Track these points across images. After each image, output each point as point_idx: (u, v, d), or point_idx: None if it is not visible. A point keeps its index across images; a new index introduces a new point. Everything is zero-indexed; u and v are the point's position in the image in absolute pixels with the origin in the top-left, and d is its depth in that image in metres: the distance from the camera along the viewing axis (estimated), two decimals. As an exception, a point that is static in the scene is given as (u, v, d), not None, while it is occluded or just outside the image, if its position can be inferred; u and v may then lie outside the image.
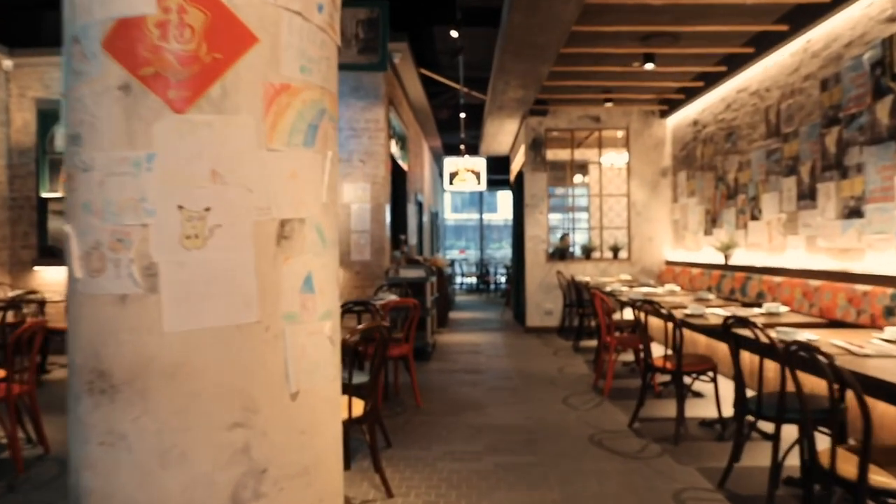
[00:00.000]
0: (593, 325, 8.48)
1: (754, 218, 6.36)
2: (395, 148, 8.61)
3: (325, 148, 1.95)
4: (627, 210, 9.03)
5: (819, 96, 5.17)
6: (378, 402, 3.37)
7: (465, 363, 6.74)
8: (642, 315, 4.43)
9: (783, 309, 4.24)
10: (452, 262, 12.37)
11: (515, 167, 10.88)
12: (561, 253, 8.99)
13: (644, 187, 8.94)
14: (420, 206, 12.02)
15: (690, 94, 7.75)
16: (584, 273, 8.88)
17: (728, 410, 4.17)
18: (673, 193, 8.80)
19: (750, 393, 3.20)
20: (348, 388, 3.13)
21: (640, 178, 8.95)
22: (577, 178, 11.76)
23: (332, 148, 2.01)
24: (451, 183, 14.01)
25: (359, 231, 7.17)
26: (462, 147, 12.73)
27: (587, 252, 9.00)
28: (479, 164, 13.92)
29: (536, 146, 8.95)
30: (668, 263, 8.73)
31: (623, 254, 9.02)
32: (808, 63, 5.33)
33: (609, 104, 8.20)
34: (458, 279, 18.00)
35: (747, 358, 4.76)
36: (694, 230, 7.98)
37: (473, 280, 17.65)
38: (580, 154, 11.90)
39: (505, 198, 21.04)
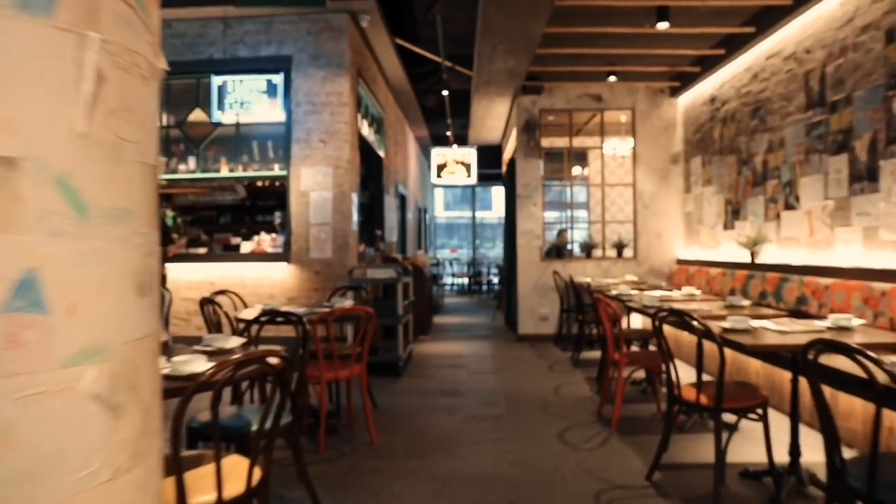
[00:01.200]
0: (595, 334, 7.40)
1: (789, 207, 5.29)
2: (367, 130, 7.51)
3: (82, 21, 0.88)
4: (633, 202, 7.95)
5: (882, 50, 4.09)
6: (267, 469, 2.28)
7: (442, 381, 5.65)
8: (662, 327, 3.35)
9: (855, 322, 3.15)
10: (438, 263, 11.30)
11: (507, 155, 9.79)
12: (558, 251, 7.90)
13: (652, 176, 7.87)
14: (403, 199, 10.93)
15: (708, 66, 6.67)
16: (585, 273, 7.80)
17: (781, 456, 3.09)
18: (685, 183, 7.73)
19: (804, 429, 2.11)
20: (254, 441, 2.06)
21: (648, 166, 7.87)
22: (576, 170, 10.70)
23: (109, 27, 0.95)
24: (438, 176, 12.93)
25: (319, 224, 6.08)
26: (449, 134, 11.64)
27: (588, 250, 7.92)
28: (469, 154, 12.84)
29: (530, 129, 7.87)
30: (680, 262, 7.65)
31: (628, 251, 7.94)
32: (867, 11, 4.25)
33: (613, 79, 7.12)
34: (450, 280, 16.91)
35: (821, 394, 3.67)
36: (711, 224, 6.90)
37: (465, 281, 16.58)
38: (578, 142, 10.85)
39: (499, 194, 19.96)
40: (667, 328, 3.46)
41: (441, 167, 12.86)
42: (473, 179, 12.85)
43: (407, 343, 6.54)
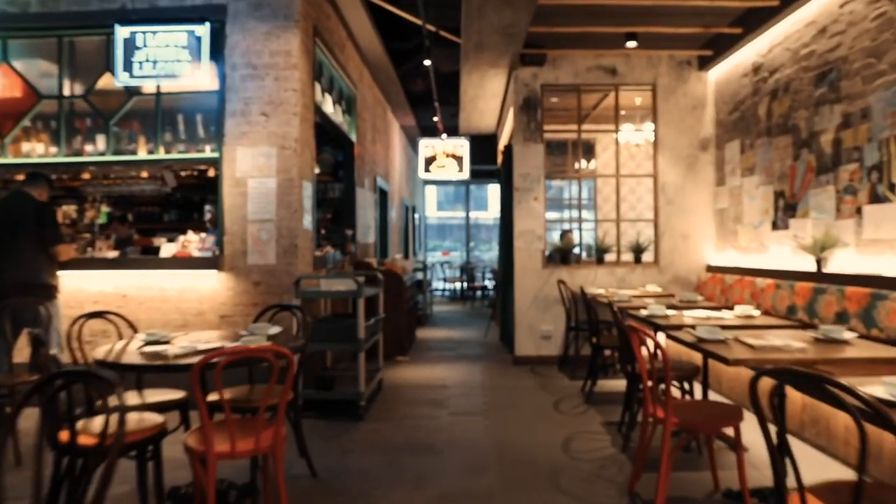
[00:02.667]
0: (611, 356, 6.06)
1: (878, 199, 3.96)
2: (331, 107, 6.15)
3: None
4: (654, 197, 6.61)
5: None
6: None
7: (415, 428, 4.29)
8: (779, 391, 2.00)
9: None
10: (425, 267, 9.95)
11: (502, 142, 8.45)
12: (563, 255, 6.55)
13: (677, 166, 6.53)
14: (384, 195, 9.57)
15: (754, 24, 5.33)
16: (596, 283, 6.46)
17: None
18: (717, 173, 6.39)
19: None
20: None
21: (672, 154, 6.53)
22: (582, 163, 9.37)
23: None
24: (427, 170, 11.57)
25: (258, 221, 4.72)
26: (437, 119, 10.26)
27: (599, 254, 6.57)
28: (461, 146, 11.49)
29: (530, 108, 6.52)
30: (712, 270, 6.32)
31: (648, 256, 6.60)
32: None
33: (632, 44, 5.78)
34: (441, 285, 15.54)
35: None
36: (754, 222, 5.57)
37: (458, 286, 15.21)
38: (584, 132, 9.56)
39: (495, 192, 18.61)
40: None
41: (430, 160, 11.50)
42: (466, 174, 11.50)
43: (374, 373, 5.18)
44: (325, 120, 5.90)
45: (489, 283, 14.19)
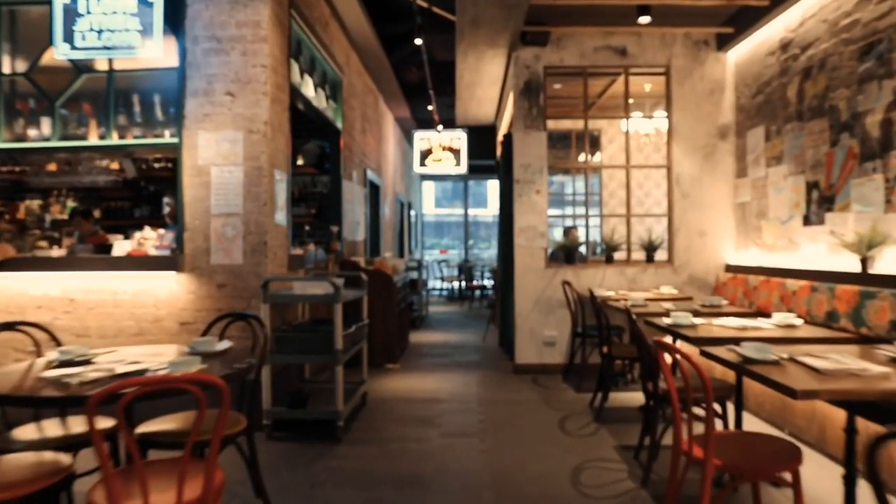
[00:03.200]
0: (624, 365, 5.51)
1: (940, 188, 3.38)
2: (312, 90, 5.57)
3: None
4: (668, 190, 6.03)
5: None
6: None
7: (400, 454, 3.72)
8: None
9: None
10: (420, 266, 9.37)
11: (502, 131, 7.87)
12: (568, 253, 5.97)
13: (693, 156, 5.95)
14: (376, 190, 8.99)
15: (783, -5, 4.76)
16: (605, 284, 5.89)
17: None
18: (738, 164, 5.82)
19: None
20: None
21: (688, 143, 5.95)
22: (588, 156, 8.85)
23: None
24: (422, 164, 10.98)
25: (223, 214, 4.15)
26: (431, 108, 9.67)
27: (608, 252, 5.99)
28: (458, 138, 10.91)
29: (531, 92, 5.94)
30: (732, 269, 5.75)
31: (660, 254, 6.03)
32: None
33: (645, 19, 5.20)
34: (439, 284, 14.97)
35: None
36: (782, 217, 4.99)
37: (455, 285, 14.64)
38: (593, 116, 9.03)
39: (495, 188, 18.04)
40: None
41: (425, 153, 10.93)
42: (463, 168, 10.92)
43: (357, 386, 4.61)
44: (305, 105, 5.33)
45: (488, 283, 13.62)
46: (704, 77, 5.95)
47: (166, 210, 4.40)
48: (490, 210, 18.94)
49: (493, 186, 18.28)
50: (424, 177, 15.85)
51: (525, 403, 4.86)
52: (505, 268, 6.86)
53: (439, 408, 4.74)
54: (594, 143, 9.10)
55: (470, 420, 4.41)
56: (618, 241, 6.01)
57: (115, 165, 5.75)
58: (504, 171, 6.80)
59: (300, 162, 6.60)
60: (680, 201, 5.94)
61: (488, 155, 13.61)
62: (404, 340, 7.32)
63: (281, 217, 4.44)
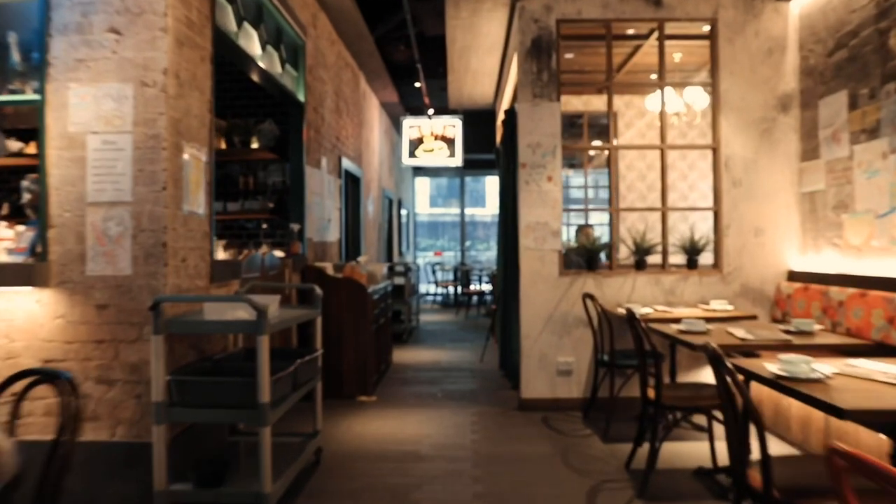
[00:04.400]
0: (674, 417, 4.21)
1: None
2: (255, 45, 4.29)
3: None
4: (714, 177, 4.77)
5: None
6: None
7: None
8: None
9: None
10: (408, 271, 8.10)
11: (503, 107, 6.59)
12: (589, 257, 4.70)
13: (746, 134, 4.69)
14: (355, 182, 7.72)
15: None
16: (635, 296, 4.63)
17: None
18: (804, 143, 4.56)
19: None
20: None
21: (739, 117, 4.69)
22: (613, 138, 7.65)
23: None
24: (412, 155, 9.71)
25: (105, 203, 2.87)
26: (419, 85, 8.37)
27: (640, 256, 4.72)
28: (453, 126, 9.63)
29: (541, 51, 4.68)
30: (796, 277, 4.49)
31: (705, 257, 4.77)
32: None
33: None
34: (431, 288, 13.67)
35: None
36: (878, 208, 3.73)
37: (451, 290, 13.36)
38: (601, 103, 7.77)
39: (494, 186, 16.80)
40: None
41: (416, 143, 9.66)
42: (458, 160, 9.65)
43: (306, 440, 3.32)
44: (245, 63, 4.06)
45: (486, 287, 12.36)
46: (760, 33, 4.68)
47: (26, 198, 3.11)
48: (489, 209, 17.69)
49: (491, 183, 17.03)
50: (417, 170, 14.59)
51: (536, 461, 3.58)
52: (507, 275, 5.59)
53: (419, 470, 3.46)
54: (603, 133, 7.87)
55: (459, 493, 3.13)
56: (650, 240, 4.73)
57: None
58: (506, 156, 5.53)
59: (254, 145, 5.33)
60: (730, 191, 4.67)
61: (487, 147, 12.33)
62: (384, 362, 6.05)
63: (195, 208, 3.16)
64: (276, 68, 4.69)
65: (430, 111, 9.09)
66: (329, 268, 5.13)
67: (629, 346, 4.43)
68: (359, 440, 4.00)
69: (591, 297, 4.24)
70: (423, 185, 16.99)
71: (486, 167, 14.29)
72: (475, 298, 11.91)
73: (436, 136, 9.63)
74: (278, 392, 2.79)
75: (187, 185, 3.06)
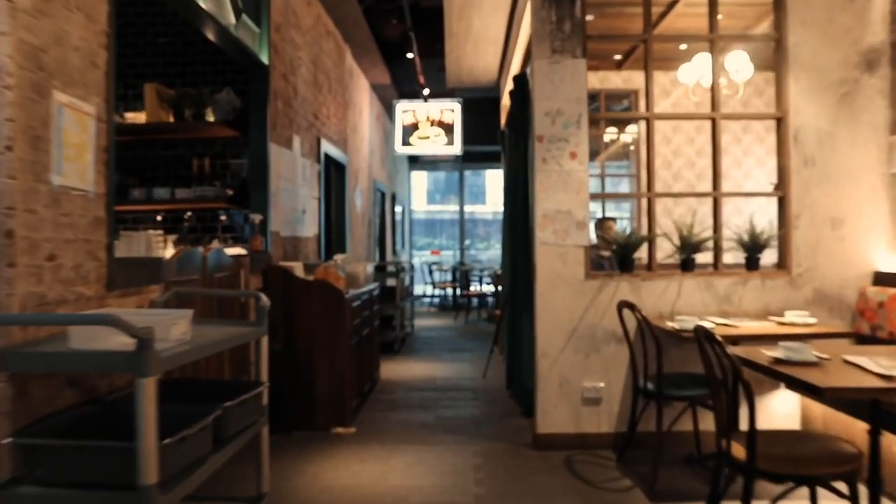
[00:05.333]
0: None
1: None
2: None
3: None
4: (779, 154, 3.80)
5: None
6: None
7: None
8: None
9: None
10: (400, 271, 7.13)
11: (511, 73, 5.61)
12: (623, 255, 3.72)
13: (821, 99, 3.71)
14: (340, 169, 6.75)
15: None
16: (681, 305, 3.66)
17: None
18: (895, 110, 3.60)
19: None
20: None
21: (812, 79, 3.72)
22: (649, 104, 6.71)
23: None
24: (405, 143, 8.74)
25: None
26: (412, 56, 7.38)
27: (687, 254, 3.74)
28: (451, 110, 8.65)
29: (563, -4, 3.71)
30: (884, 280, 3.52)
31: (767, 256, 3.80)
32: None
33: None
34: (429, 290, 12.70)
35: None
36: None
37: (450, 291, 12.40)
38: (623, 80, 6.86)
39: (495, 179, 15.84)
40: None
41: (410, 129, 8.68)
42: (457, 148, 8.68)
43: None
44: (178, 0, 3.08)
45: (487, 287, 11.41)
46: (838, -27, 3.72)
47: None
48: (489, 206, 16.71)
49: (492, 178, 16.07)
50: (413, 163, 13.63)
51: (565, 533, 2.61)
52: (515, 276, 4.62)
53: (404, 549, 2.49)
54: (622, 121, 6.98)
55: None
56: (700, 234, 3.76)
57: None
58: (515, 133, 4.56)
59: (210, 118, 4.36)
60: (800, 171, 3.70)
61: (488, 138, 11.33)
62: (370, 380, 5.07)
63: (77, 183, 2.18)
64: (227, 17, 3.72)
65: (426, 91, 8.10)
66: (298, 268, 4.15)
67: (678, 369, 3.47)
68: (326, 498, 3.02)
69: (631, 306, 3.26)
70: (419, 181, 16.02)
71: (487, 160, 13.33)
72: (475, 301, 10.94)
73: (432, 122, 8.66)
74: (184, 457, 1.82)
75: (59, 147, 2.08)
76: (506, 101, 6.40)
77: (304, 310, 4.06)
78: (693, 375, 3.33)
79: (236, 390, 2.32)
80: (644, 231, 3.87)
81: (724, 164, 5.23)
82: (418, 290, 13.38)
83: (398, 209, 12.14)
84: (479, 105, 10.79)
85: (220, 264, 3.53)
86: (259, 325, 2.52)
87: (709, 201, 3.99)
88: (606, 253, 5.10)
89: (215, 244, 4.01)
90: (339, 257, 4.26)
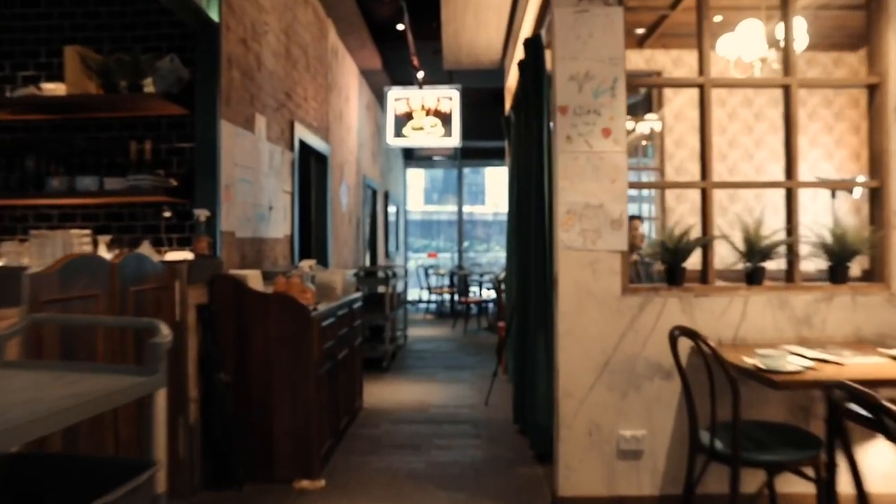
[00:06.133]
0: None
1: None
2: None
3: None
4: (871, 134, 2.94)
5: None
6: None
7: None
8: None
9: None
10: (389, 277, 6.26)
11: (521, 37, 4.75)
12: (672, 263, 2.85)
13: (926, 59, 2.85)
14: (322, 161, 5.89)
15: None
16: (747, 328, 2.79)
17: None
18: None
19: None
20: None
21: (916, 32, 2.86)
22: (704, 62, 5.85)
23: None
24: (398, 134, 7.88)
25: None
26: (403, 28, 6.51)
27: (755, 262, 2.87)
28: (449, 98, 7.80)
29: (593, -75, 2.84)
30: None
31: (857, 264, 2.94)
32: None
33: None
34: (425, 294, 11.83)
35: None
36: None
37: (446, 297, 11.54)
38: (646, 59, 6.03)
39: (495, 178, 14.99)
40: None
41: (403, 119, 7.82)
42: (456, 140, 7.82)
43: None
44: None
45: (488, 292, 10.57)
46: None
47: None
48: (489, 206, 15.87)
49: (492, 175, 15.22)
50: (408, 159, 12.79)
51: None
52: (524, 287, 3.76)
53: None
54: (647, 101, 6.15)
55: None
56: (768, 237, 2.89)
57: None
58: (526, 110, 3.69)
59: (149, 88, 3.50)
60: (900, 155, 2.84)
61: (488, 132, 10.50)
62: (349, 412, 4.20)
63: None
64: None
65: (420, 74, 7.23)
66: (253, 278, 3.28)
67: (746, 412, 2.61)
68: None
69: (692, 334, 2.39)
70: (415, 179, 15.17)
71: (488, 156, 12.51)
72: (475, 308, 10.07)
73: (428, 111, 7.80)
74: None
75: None
76: (511, 82, 5.55)
77: (259, 331, 3.19)
78: (773, 426, 2.48)
79: (115, 475, 1.47)
80: (690, 233, 3.00)
81: (775, 155, 4.38)
82: (414, 294, 12.53)
83: (392, 209, 11.29)
84: (478, 97, 9.94)
85: (142, 274, 2.67)
86: (151, 373, 1.65)
87: (768, 199, 3.14)
88: (634, 257, 4.27)
89: (145, 248, 3.15)
90: (306, 264, 3.39)
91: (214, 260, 3.32)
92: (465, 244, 13.63)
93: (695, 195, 4.41)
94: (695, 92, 4.56)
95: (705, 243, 2.86)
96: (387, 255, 10.50)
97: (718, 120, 5.65)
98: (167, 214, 3.78)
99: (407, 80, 8.32)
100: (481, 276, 10.72)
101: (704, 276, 2.87)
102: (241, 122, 3.77)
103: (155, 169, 3.75)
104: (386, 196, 10.39)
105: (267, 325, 3.20)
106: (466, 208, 13.83)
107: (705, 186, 2.89)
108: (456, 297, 10.72)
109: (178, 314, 2.92)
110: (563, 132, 2.79)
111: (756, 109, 5.56)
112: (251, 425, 3.19)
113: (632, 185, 2.86)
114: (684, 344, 2.52)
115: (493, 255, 14.59)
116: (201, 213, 3.31)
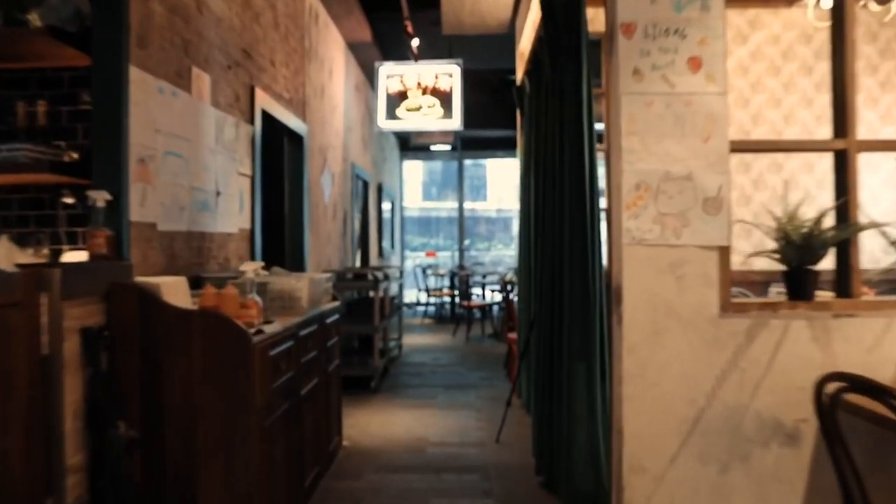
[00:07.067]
0: None
1: None
2: None
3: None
4: None
5: None
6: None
7: None
8: None
9: None
10: (379, 281, 5.26)
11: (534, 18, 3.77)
12: (798, 264, 1.85)
13: None
14: (298, 141, 4.89)
15: None
16: (892, 364, 1.80)
17: None
18: None
19: None
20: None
21: None
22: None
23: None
24: (391, 116, 6.87)
25: None
26: (407, 24, 5.55)
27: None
28: (449, 74, 6.79)
29: None
30: None
31: None
32: None
33: None
34: (424, 297, 10.82)
35: None
36: None
37: (446, 299, 10.55)
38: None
39: (498, 170, 14.01)
40: None
41: (396, 99, 6.82)
42: (456, 122, 6.81)
43: None
44: None
45: (493, 294, 9.62)
46: None
47: None
48: (492, 202, 14.87)
49: (494, 168, 14.25)
50: (404, 151, 11.81)
51: None
52: (549, 297, 2.76)
53: None
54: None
55: None
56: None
57: None
58: (556, 57, 2.69)
59: (35, 23, 2.53)
60: None
61: (491, 120, 9.56)
62: (318, 462, 3.21)
63: None
64: None
65: (415, 43, 6.20)
66: (172, 287, 2.29)
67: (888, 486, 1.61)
68: None
69: (866, 387, 1.40)
70: (412, 173, 14.18)
71: (490, 147, 11.56)
72: (477, 313, 9.08)
73: (425, 90, 6.80)
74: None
75: None
76: (524, 45, 4.55)
77: (179, 364, 2.21)
78: None
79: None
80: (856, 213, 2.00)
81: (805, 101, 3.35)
82: (411, 296, 11.55)
83: (387, 205, 10.29)
84: (480, 80, 8.97)
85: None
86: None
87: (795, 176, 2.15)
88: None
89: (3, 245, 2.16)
90: (250, 267, 2.42)
91: (116, 263, 2.32)
92: (467, 242, 12.65)
93: (765, 162, 3.41)
94: (744, 56, 3.52)
95: (846, 238, 1.86)
96: (381, 254, 9.51)
97: (740, 60, 4.61)
98: (68, 201, 2.79)
99: (401, 57, 7.33)
100: (484, 276, 9.73)
101: (844, 284, 1.88)
102: (167, 76, 2.78)
103: (53, 138, 2.75)
104: (379, 189, 9.40)
105: (190, 355, 2.21)
106: (467, 204, 12.86)
107: (846, 147, 1.89)
108: (457, 300, 9.74)
109: (45, 344, 1.93)
110: (629, 64, 1.80)
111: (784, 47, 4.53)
112: (165, 501, 2.21)
113: (736, 147, 1.87)
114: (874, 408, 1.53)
115: (497, 254, 13.62)
116: (98, 197, 2.32)
